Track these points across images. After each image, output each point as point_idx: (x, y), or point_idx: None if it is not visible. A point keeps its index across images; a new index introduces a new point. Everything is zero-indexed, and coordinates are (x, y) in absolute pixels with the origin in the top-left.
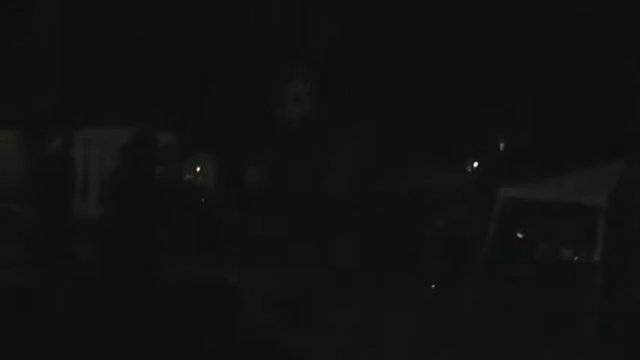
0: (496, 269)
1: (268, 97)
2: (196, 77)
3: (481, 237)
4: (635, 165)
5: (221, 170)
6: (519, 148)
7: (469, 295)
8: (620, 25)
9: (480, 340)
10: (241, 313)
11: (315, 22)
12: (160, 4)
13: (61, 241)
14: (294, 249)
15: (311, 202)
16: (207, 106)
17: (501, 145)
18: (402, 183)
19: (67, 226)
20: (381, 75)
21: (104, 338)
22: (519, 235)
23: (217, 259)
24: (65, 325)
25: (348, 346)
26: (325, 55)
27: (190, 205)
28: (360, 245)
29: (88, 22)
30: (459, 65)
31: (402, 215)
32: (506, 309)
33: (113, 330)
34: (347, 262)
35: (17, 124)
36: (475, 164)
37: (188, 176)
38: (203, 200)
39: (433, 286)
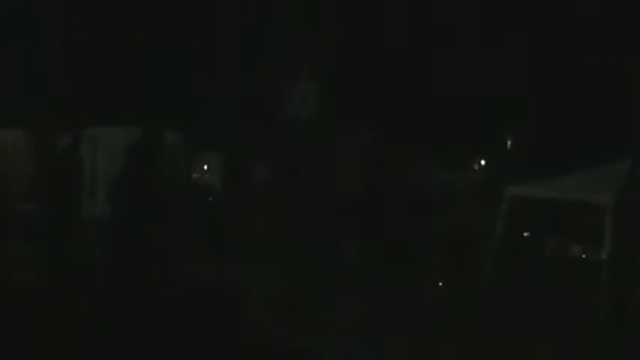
0: (502, 267)
1: (274, 96)
2: (202, 76)
3: (487, 235)
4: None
5: (228, 169)
6: (526, 147)
7: (474, 293)
8: (623, 24)
9: (484, 339)
10: (244, 312)
11: (320, 21)
12: (167, 3)
13: (69, 239)
14: (297, 248)
15: (316, 201)
16: (214, 105)
17: (508, 143)
18: (407, 181)
19: (75, 225)
20: (386, 74)
21: (109, 335)
22: (526, 234)
23: (222, 258)
24: (71, 322)
25: (349, 346)
26: (331, 54)
27: (197, 204)
28: (364, 244)
29: (95, 21)
30: (465, 64)
31: (407, 214)
32: (512, 307)
33: (118, 327)
34: (350, 261)
35: (25, 123)
36: (482, 162)
37: (195, 175)
38: (210, 199)
39: (440, 284)
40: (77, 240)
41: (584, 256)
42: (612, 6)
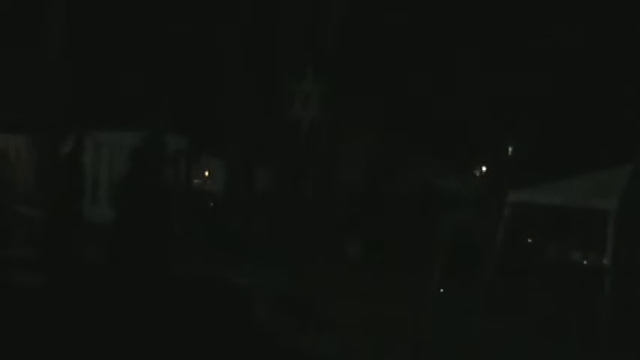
0: (505, 272)
1: (278, 98)
2: (206, 81)
3: (489, 240)
4: None
5: (230, 173)
6: (527, 153)
7: (476, 297)
8: (624, 29)
9: (486, 342)
10: (248, 312)
11: (324, 23)
12: (170, 8)
13: (71, 242)
14: (298, 249)
15: (318, 202)
16: (217, 109)
17: (509, 149)
18: (409, 185)
19: (77, 228)
20: (390, 78)
21: (113, 336)
22: (528, 239)
23: (224, 260)
24: (73, 323)
25: (350, 346)
26: (335, 56)
27: (199, 208)
28: (367, 245)
29: (99, 27)
30: (467, 70)
31: (409, 217)
32: (514, 312)
33: (121, 328)
34: (355, 261)
35: (29, 127)
36: (484, 169)
37: (197, 180)
38: (212, 204)
39: (442, 290)
40: (79, 243)
41: (585, 261)
42: (614, 10)
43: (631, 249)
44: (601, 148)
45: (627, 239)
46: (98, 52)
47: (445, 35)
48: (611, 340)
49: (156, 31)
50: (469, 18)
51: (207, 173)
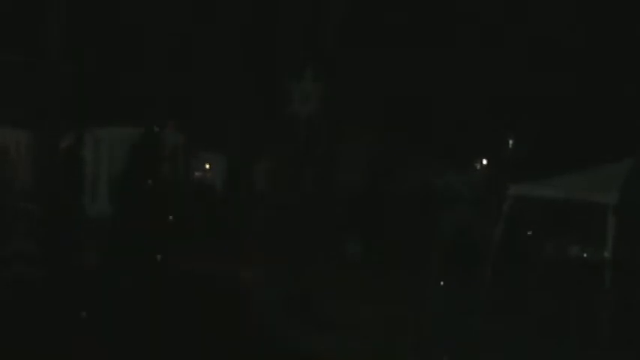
0: (505, 266)
1: (276, 96)
2: (205, 76)
3: (489, 234)
4: None
5: (230, 169)
6: (527, 147)
7: (476, 293)
8: (624, 25)
9: (487, 338)
10: (245, 311)
11: (323, 21)
12: (168, 4)
13: (71, 238)
14: (300, 248)
15: (319, 201)
16: (216, 105)
17: (509, 143)
18: (409, 182)
19: (76, 224)
20: (390, 75)
21: (112, 332)
22: (528, 233)
23: (224, 257)
24: (73, 320)
25: (350, 346)
26: (335, 56)
27: (199, 203)
28: (368, 244)
29: (98, 23)
30: (466, 64)
31: (409, 214)
32: (514, 307)
33: (121, 324)
34: (355, 261)
35: (28, 124)
36: (484, 162)
37: (197, 174)
38: (212, 198)
39: (442, 283)
40: (79, 238)
41: (585, 255)
42: (614, 7)
43: (631, 243)
44: (601, 145)
45: (627, 234)
46: (98, 49)
47: (445, 35)
48: (611, 339)
49: (156, 28)
50: (469, 18)
51: (207, 166)
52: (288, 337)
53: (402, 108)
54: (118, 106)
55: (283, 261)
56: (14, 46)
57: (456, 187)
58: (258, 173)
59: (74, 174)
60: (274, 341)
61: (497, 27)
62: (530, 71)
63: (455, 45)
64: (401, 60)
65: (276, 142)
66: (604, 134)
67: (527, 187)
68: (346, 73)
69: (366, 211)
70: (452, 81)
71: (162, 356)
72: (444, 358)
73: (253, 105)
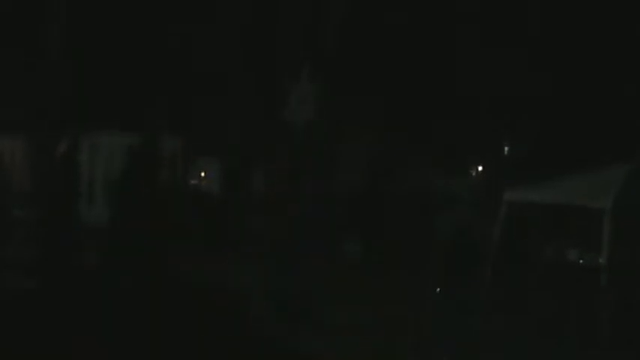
0: (501, 271)
1: (273, 99)
2: (203, 79)
3: (486, 239)
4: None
5: (227, 172)
6: (523, 152)
7: (473, 297)
8: (623, 28)
9: (487, 338)
10: (245, 312)
11: (321, 23)
12: (166, 11)
13: (68, 243)
14: (299, 249)
15: (317, 202)
16: (214, 107)
17: (505, 148)
18: (407, 185)
19: (72, 230)
20: (390, 78)
21: (110, 338)
22: (524, 238)
23: (222, 260)
24: (70, 326)
25: (350, 345)
26: (335, 56)
27: (196, 208)
28: (366, 245)
29: (95, 29)
30: (463, 69)
31: (407, 217)
32: (511, 311)
33: (119, 330)
34: (355, 261)
35: (25, 129)
36: (479, 168)
37: (193, 181)
38: (210, 202)
39: (438, 289)
40: (75, 244)
41: (581, 260)
42: (612, 11)
43: (627, 248)
44: (599, 148)
45: (623, 238)
46: (96, 54)
47: (445, 35)
48: (610, 340)
49: (155, 31)
50: (469, 18)
51: (203, 174)
52: (287, 338)
53: (402, 108)
54: (115, 111)
55: (282, 262)
56: (13, 49)
57: (455, 188)
58: (256, 175)
59: (71, 179)
60: (274, 342)
61: (498, 28)
62: (530, 72)
63: (455, 45)
64: (401, 60)
65: (274, 144)
66: (602, 137)
67: (524, 192)
68: (346, 73)
69: (365, 211)
70: (451, 81)
71: (163, 357)
72: (444, 358)
73: (252, 106)
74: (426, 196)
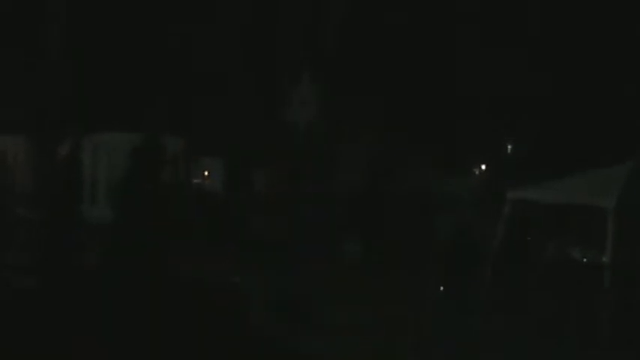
0: (502, 271)
1: (274, 100)
2: (204, 79)
3: (489, 238)
4: None
5: (229, 172)
6: (526, 151)
7: (476, 296)
8: (624, 27)
9: (487, 338)
10: (245, 313)
11: (322, 23)
12: (168, 12)
13: (71, 243)
14: (299, 249)
15: (318, 202)
16: (216, 107)
17: (508, 147)
18: (409, 185)
19: (76, 229)
20: (388, 77)
21: (109, 337)
22: (527, 237)
23: (224, 260)
24: (71, 327)
25: (350, 345)
26: (335, 56)
27: (199, 207)
28: (367, 245)
29: (98, 28)
30: (464, 69)
31: (409, 217)
32: (513, 310)
33: (118, 330)
34: (355, 261)
35: (27, 129)
36: (482, 167)
37: (196, 180)
38: (213, 202)
39: (441, 288)
40: (78, 244)
41: (585, 259)
42: (613, 11)
43: (630, 247)
44: (601, 147)
45: (626, 237)
46: (97, 53)
47: (445, 35)
48: (611, 340)
49: (156, 31)
50: (469, 17)
51: (206, 173)
52: (287, 338)
53: (402, 108)
54: (117, 110)
55: (283, 262)
56: (13, 49)
57: (456, 187)
58: (257, 175)
59: (73, 179)
60: (274, 342)
61: (498, 28)
62: (530, 72)
63: (455, 45)
64: (401, 60)
65: (275, 144)
66: (604, 137)
67: (526, 192)
68: (346, 74)
69: (365, 212)
70: (451, 81)
71: (162, 357)
72: (444, 358)
73: (253, 107)
74: (426, 196)
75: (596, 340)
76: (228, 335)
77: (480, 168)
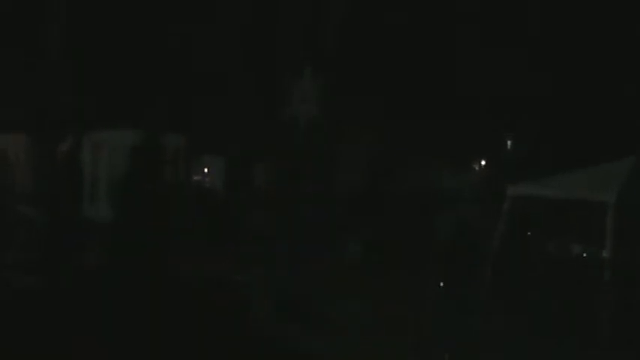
0: (502, 269)
1: (275, 96)
2: (204, 77)
3: (489, 234)
4: None
5: (229, 171)
6: (526, 146)
7: (476, 293)
8: (624, 24)
9: (488, 338)
10: (245, 311)
11: (323, 21)
12: (169, 8)
13: (71, 241)
14: (300, 248)
15: (318, 201)
16: (216, 105)
17: (508, 143)
18: (409, 183)
19: (76, 228)
20: (388, 76)
21: (114, 335)
22: (528, 233)
23: (224, 258)
24: (73, 326)
25: (350, 346)
26: (335, 56)
27: (199, 205)
28: (368, 243)
29: (98, 26)
30: (465, 65)
31: (409, 214)
32: (514, 307)
33: (118, 327)
34: (355, 261)
35: (28, 127)
36: (482, 163)
37: (196, 177)
38: (214, 200)
39: (441, 284)
40: (78, 243)
41: (585, 255)
42: (613, 7)
43: (631, 242)
44: (601, 144)
45: (627, 232)
46: (97, 52)
47: (444, 35)
48: (611, 339)
49: (155, 29)
50: (469, 16)
51: (206, 170)
52: (287, 338)
53: (402, 107)
54: (117, 109)
55: (283, 261)
56: (13, 49)
57: (456, 185)
58: (258, 173)
59: (73, 177)
60: (274, 341)
61: (495, 27)
62: (530, 71)
63: (455, 44)
64: (401, 59)
65: (276, 142)
66: (604, 133)
67: (526, 187)
68: (346, 73)
69: (366, 211)
70: (451, 81)
71: (162, 357)
72: (444, 358)
73: (253, 105)
74: (427, 195)
75: (596, 339)
76: (229, 334)
77: (480, 164)
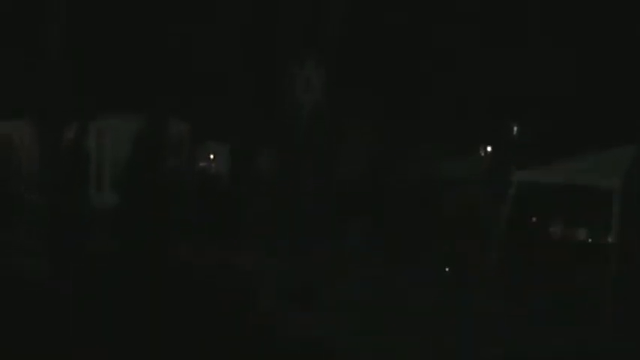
0: (510, 252)
1: (279, 84)
2: (209, 65)
3: (495, 221)
4: None
5: (234, 158)
6: (532, 132)
7: (481, 279)
8: (627, 15)
9: (493, 324)
10: (249, 300)
11: (326, 8)
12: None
13: (76, 228)
14: (302, 237)
15: (320, 189)
16: (219, 93)
17: (514, 129)
18: (414, 169)
19: (81, 215)
20: (392, 64)
21: (113, 323)
22: (533, 219)
23: (229, 246)
24: (78, 312)
25: (352, 333)
26: (337, 42)
27: (204, 191)
28: (372, 231)
29: (100, 11)
30: (470, 51)
31: (414, 200)
32: (519, 292)
33: (128, 314)
34: (355, 252)
35: (32, 114)
36: (489, 149)
37: (202, 164)
38: (217, 189)
39: (447, 269)
40: (83, 229)
41: (590, 240)
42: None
43: (636, 227)
44: (606, 126)
45: (633, 218)
46: (101, 37)
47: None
48: (616, 319)
49: (158, 16)
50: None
51: (212, 156)
52: (289, 328)
53: (404, 97)
54: (122, 95)
55: (285, 252)
56: (17, 37)
57: (461, 171)
58: (261, 163)
59: (79, 164)
60: (276, 331)
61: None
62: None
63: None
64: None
65: (278, 131)
66: (609, 119)
67: (532, 173)
68: (346, 69)
69: (367, 202)
70: (455, 67)
71: (166, 346)
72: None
73: (256, 93)
74: (433, 180)
75: (600, 324)
76: (232, 324)
77: (486, 150)
